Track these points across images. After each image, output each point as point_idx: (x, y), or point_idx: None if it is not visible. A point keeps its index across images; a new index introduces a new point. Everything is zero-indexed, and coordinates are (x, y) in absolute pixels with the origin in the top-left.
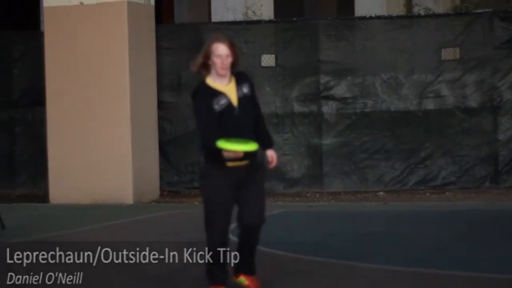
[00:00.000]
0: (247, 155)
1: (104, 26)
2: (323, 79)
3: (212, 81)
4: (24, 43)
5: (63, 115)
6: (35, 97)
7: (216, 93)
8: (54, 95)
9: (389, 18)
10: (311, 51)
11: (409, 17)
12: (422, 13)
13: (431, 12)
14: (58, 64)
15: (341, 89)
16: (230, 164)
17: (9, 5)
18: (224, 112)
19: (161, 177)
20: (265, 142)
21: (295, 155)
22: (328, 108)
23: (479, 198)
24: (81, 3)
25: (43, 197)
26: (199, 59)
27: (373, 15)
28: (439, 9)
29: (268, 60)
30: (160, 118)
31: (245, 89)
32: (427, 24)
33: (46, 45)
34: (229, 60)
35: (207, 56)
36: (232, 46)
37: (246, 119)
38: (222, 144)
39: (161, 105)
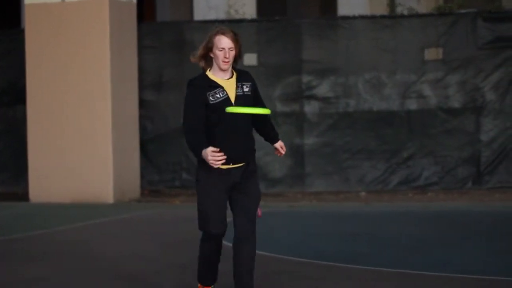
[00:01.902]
0: (241, 156)
1: (85, 24)
2: (306, 78)
3: (212, 74)
4: (5, 41)
5: (43, 114)
6: (16, 95)
7: (214, 86)
8: (34, 94)
9: (372, 18)
10: (294, 50)
11: (392, 17)
12: (406, 13)
13: (414, 12)
14: (39, 62)
15: (323, 89)
16: (224, 166)
17: None
18: (219, 106)
19: (142, 176)
20: (273, 137)
21: (277, 155)
22: (311, 107)
23: (461, 199)
24: (63, 0)
25: (24, 196)
26: (200, 51)
27: (356, 15)
28: (423, 9)
29: (250, 59)
30: (142, 117)
31: (246, 88)
32: (410, 24)
33: (27, 43)
34: (232, 53)
35: (209, 48)
36: (235, 39)
37: (243, 121)
38: (232, 108)
39: (142, 103)
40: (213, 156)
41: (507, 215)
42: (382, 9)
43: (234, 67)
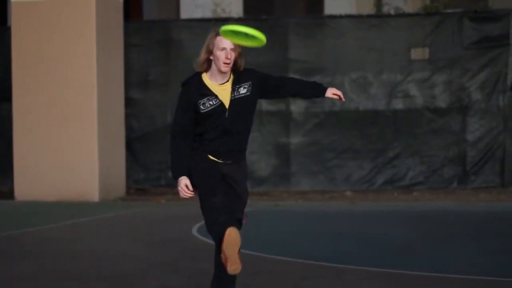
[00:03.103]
0: (231, 155)
1: (72, 22)
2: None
3: (208, 78)
4: None
5: (29, 112)
6: (2, 93)
7: (206, 94)
8: (20, 91)
9: (359, 17)
10: (280, 49)
11: (378, 17)
12: (392, 12)
13: (401, 12)
14: (25, 60)
15: None
16: (212, 158)
17: None
18: (211, 114)
19: (127, 174)
20: (319, 89)
21: (263, 154)
22: (296, 107)
23: (447, 198)
24: None
25: (9, 194)
26: (202, 56)
27: (343, 14)
28: (409, 8)
29: None
30: (128, 115)
31: (243, 90)
32: (396, 23)
33: (13, 41)
34: (233, 54)
35: (209, 50)
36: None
37: (238, 125)
38: (227, 27)
39: (128, 102)
40: (183, 190)
41: (493, 214)
42: (368, 9)
43: (233, 70)
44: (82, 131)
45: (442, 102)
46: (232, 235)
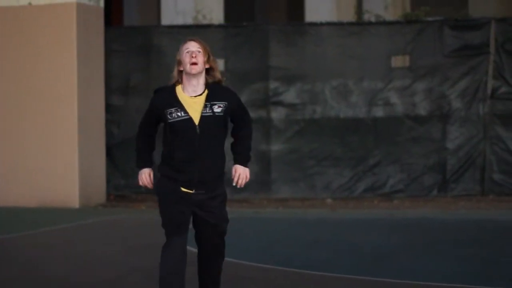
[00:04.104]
0: (203, 185)
1: (52, 27)
2: (273, 84)
3: (181, 89)
4: None
5: (8, 117)
6: None
7: (174, 104)
8: (1, 96)
9: (340, 24)
10: (261, 56)
11: (359, 24)
12: (373, 20)
13: (381, 20)
14: (4, 65)
15: (290, 95)
16: (184, 190)
17: None
18: (178, 126)
19: (108, 180)
20: (238, 156)
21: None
22: (277, 114)
23: (427, 206)
24: (30, 3)
25: None
26: (175, 69)
27: (324, 22)
28: (390, 16)
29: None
30: (108, 121)
31: (217, 108)
32: (377, 31)
33: None
34: (200, 57)
35: (179, 61)
36: (204, 45)
37: (211, 147)
38: None
39: (109, 108)
40: (144, 179)
41: (472, 222)
42: (349, 16)
43: (208, 83)
44: (63, 137)
45: (422, 110)
46: None
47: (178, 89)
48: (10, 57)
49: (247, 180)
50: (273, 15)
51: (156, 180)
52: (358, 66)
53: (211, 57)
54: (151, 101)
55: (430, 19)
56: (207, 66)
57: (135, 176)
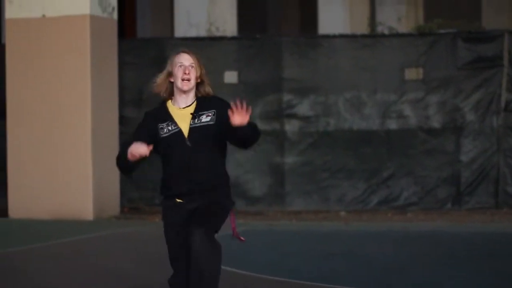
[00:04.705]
0: (195, 196)
1: (66, 39)
2: (286, 97)
3: (171, 103)
4: None
5: (23, 129)
6: None
7: (166, 118)
8: (15, 108)
9: (353, 36)
10: (274, 68)
11: (372, 36)
12: (386, 32)
13: (394, 32)
14: (19, 77)
15: (303, 108)
16: (178, 200)
17: None
18: (170, 141)
19: (121, 193)
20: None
21: (257, 173)
22: (291, 126)
23: (440, 219)
24: (43, 15)
25: (3, 211)
26: (162, 78)
27: (337, 34)
28: (403, 28)
29: (230, 77)
30: (122, 134)
31: (206, 118)
32: (390, 43)
33: (8, 58)
34: (193, 71)
35: (169, 72)
36: (197, 58)
37: (200, 159)
38: None
39: (122, 120)
40: (134, 148)
41: (486, 235)
42: (362, 28)
43: (198, 95)
44: (76, 149)
45: (436, 122)
46: None
47: (168, 103)
48: (24, 70)
49: (246, 114)
50: (286, 27)
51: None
52: (371, 78)
53: (203, 71)
54: (144, 117)
55: (443, 31)
56: (198, 81)
57: (149, 188)
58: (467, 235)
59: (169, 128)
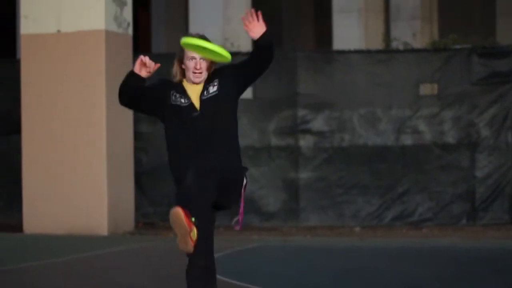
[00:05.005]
0: (208, 173)
1: (81, 55)
2: (301, 112)
3: (186, 82)
4: (0, 71)
5: (38, 144)
6: (11, 125)
7: (180, 90)
8: (30, 124)
9: (368, 52)
10: (289, 84)
11: (387, 52)
12: (401, 48)
13: (409, 47)
14: (34, 92)
15: (318, 123)
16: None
17: None
18: (180, 110)
19: (136, 208)
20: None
21: (272, 189)
22: (305, 141)
23: (455, 235)
24: (59, 31)
25: (18, 227)
26: (175, 67)
27: (352, 49)
28: (418, 44)
29: (245, 92)
30: (136, 149)
31: (213, 88)
32: (405, 59)
33: (23, 73)
34: (204, 64)
35: (180, 59)
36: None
37: (212, 126)
38: (188, 39)
39: (137, 135)
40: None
41: (502, 251)
42: (377, 44)
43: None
44: (91, 165)
45: (450, 138)
46: (174, 215)
47: (184, 81)
48: (39, 85)
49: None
50: (301, 42)
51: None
52: (386, 94)
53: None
54: (159, 80)
55: (458, 47)
56: (209, 70)
57: (164, 204)
58: (482, 251)
59: (182, 100)
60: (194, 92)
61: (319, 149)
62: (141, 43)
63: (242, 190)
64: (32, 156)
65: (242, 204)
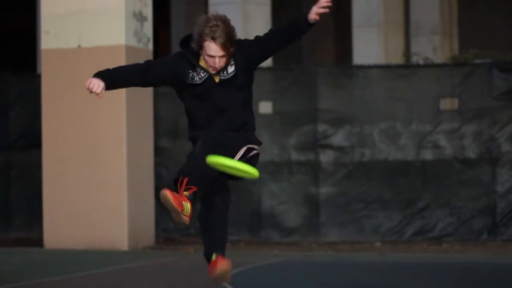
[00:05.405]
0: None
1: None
2: (321, 127)
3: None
4: (21, 86)
5: (59, 159)
6: (31, 140)
7: (196, 67)
8: (50, 139)
9: (388, 67)
10: (309, 99)
11: (407, 67)
12: (421, 62)
13: (429, 62)
14: (54, 107)
15: (338, 138)
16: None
17: (5, 47)
18: (199, 86)
19: (157, 223)
20: (298, 23)
21: (292, 204)
22: (326, 156)
23: (476, 250)
24: (79, 46)
25: (38, 241)
26: (195, 43)
27: (372, 64)
28: (438, 59)
29: (265, 107)
30: (157, 164)
31: (230, 69)
32: (425, 73)
33: (43, 88)
34: (222, 61)
35: (200, 44)
36: (227, 42)
37: (229, 102)
38: (216, 159)
39: (157, 151)
40: (93, 83)
41: None
42: (397, 59)
43: None
44: (112, 179)
45: (471, 153)
46: (162, 197)
47: (201, 59)
48: (59, 100)
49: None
50: (321, 57)
51: None
52: (406, 109)
53: (233, 46)
54: (175, 56)
55: (478, 61)
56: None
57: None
58: (503, 266)
59: (199, 76)
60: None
61: (339, 164)
62: None
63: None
64: (53, 171)
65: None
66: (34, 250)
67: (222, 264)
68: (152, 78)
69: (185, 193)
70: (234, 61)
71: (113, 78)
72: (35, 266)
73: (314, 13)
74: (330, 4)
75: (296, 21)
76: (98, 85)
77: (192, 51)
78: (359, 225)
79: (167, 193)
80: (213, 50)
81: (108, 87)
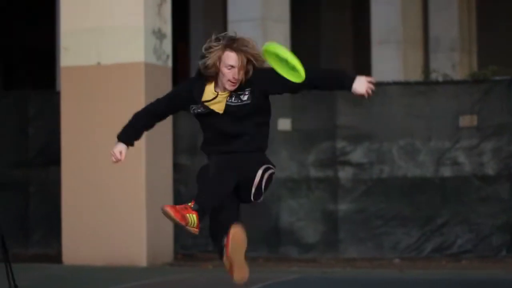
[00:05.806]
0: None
1: (120, 87)
2: (340, 144)
3: (211, 84)
4: (40, 103)
5: (77, 176)
6: (50, 156)
7: (198, 101)
8: (69, 155)
9: (406, 84)
10: (328, 115)
11: (426, 83)
12: (440, 79)
13: (448, 79)
14: (74, 124)
15: (357, 155)
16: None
17: (25, 64)
18: (203, 115)
19: (175, 240)
20: (341, 82)
21: (311, 220)
22: (344, 173)
23: (495, 267)
24: (99, 63)
25: (57, 258)
26: (210, 68)
27: (390, 81)
28: (457, 75)
29: (284, 124)
30: (175, 181)
31: (244, 96)
32: (444, 90)
33: (63, 105)
34: (241, 73)
35: (215, 64)
36: (245, 55)
37: (241, 128)
38: (271, 46)
39: (176, 167)
40: (115, 154)
41: None
42: (416, 76)
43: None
44: (130, 196)
45: (490, 169)
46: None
47: (208, 84)
48: (79, 116)
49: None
50: None
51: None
52: (425, 126)
53: (249, 69)
54: (183, 86)
55: (497, 78)
56: (245, 77)
57: (203, 235)
58: None
59: (200, 110)
60: (218, 98)
61: (358, 181)
62: (180, 74)
63: (263, 171)
64: (71, 187)
65: (258, 180)
66: (53, 266)
67: (235, 233)
68: (163, 114)
69: (189, 204)
70: (248, 92)
71: (131, 137)
72: (54, 282)
73: (360, 90)
74: (372, 91)
75: (342, 81)
76: (119, 152)
77: (199, 85)
78: (377, 241)
79: (167, 209)
80: (232, 60)
81: (131, 144)
